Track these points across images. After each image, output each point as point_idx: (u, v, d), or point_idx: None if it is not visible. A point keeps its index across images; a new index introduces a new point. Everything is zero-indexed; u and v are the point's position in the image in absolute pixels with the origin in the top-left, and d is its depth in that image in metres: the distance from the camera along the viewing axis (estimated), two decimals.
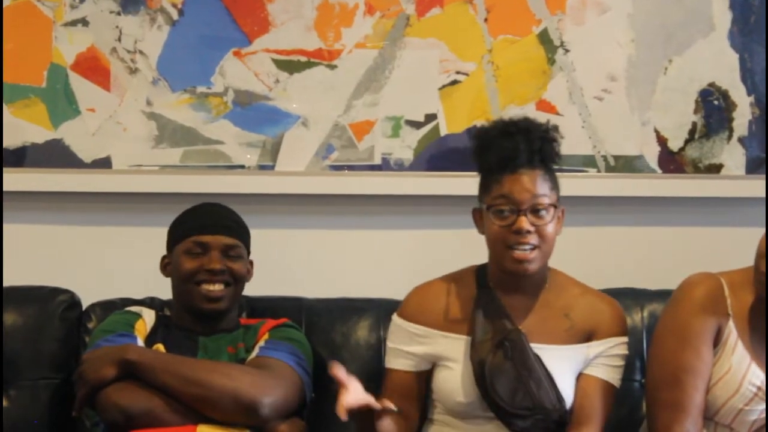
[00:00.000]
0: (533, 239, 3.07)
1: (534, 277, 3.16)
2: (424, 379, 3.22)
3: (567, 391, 3.13)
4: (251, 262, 3.42)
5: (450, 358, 3.18)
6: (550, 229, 3.09)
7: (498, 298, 3.18)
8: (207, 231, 3.34)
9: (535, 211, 3.06)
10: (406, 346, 3.22)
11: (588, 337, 3.18)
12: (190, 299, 3.32)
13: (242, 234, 3.40)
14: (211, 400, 3.11)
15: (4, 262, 3.65)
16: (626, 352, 3.22)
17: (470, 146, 3.24)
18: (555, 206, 3.11)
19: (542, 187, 3.08)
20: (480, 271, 3.23)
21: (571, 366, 3.16)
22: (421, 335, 3.21)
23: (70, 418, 3.37)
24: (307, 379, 3.30)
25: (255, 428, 3.16)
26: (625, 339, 3.22)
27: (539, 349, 3.13)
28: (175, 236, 3.38)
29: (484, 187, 3.13)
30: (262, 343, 3.32)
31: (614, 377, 3.18)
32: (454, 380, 3.15)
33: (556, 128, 3.19)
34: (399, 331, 3.25)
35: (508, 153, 3.09)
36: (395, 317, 3.27)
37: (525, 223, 3.05)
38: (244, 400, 3.10)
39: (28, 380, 3.51)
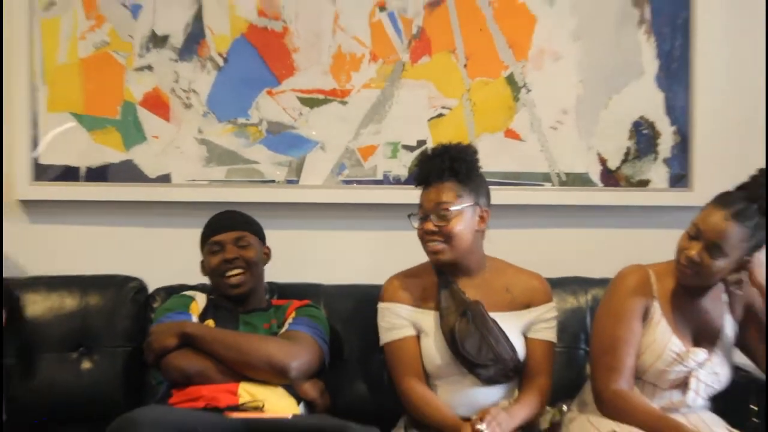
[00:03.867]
0: (439, 237, 3.10)
1: (466, 264, 3.18)
2: (417, 343, 3.20)
3: (518, 345, 3.16)
4: (268, 248, 3.42)
5: (424, 329, 3.18)
6: (454, 227, 3.09)
7: (454, 281, 3.19)
8: (218, 231, 3.35)
9: (440, 215, 3.09)
10: (396, 318, 3.20)
11: (526, 305, 3.21)
12: (221, 288, 3.34)
13: (248, 226, 3.39)
14: (250, 363, 3.11)
15: (89, 257, 3.71)
16: (556, 313, 3.26)
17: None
18: (463, 209, 3.10)
19: (447, 196, 3.09)
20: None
21: (517, 327, 3.19)
22: (401, 312, 3.21)
23: (140, 378, 3.45)
24: (326, 348, 3.30)
25: (287, 387, 3.17)
26: (553, 304, 3.25)
27: (493, 315, 3.15)
28: (202, 243, 3.39)
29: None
30: (290, 320, 3.32)
31: (552, 335, 3.23)
32: (430, 348, 3.16)
33: (467, 150, 3.17)
34: (385, 312, 3.23)
35: (423, 173, 3.15)
36: (380, 304, 3.25)
37: (429, 225, 3.10)
38: (276, 364, 3.11)
39: (107, 348, 3.51)
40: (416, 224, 3.14)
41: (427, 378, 3.20)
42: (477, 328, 3.12)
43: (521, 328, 3.21)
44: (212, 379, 3.13)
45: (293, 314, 3.36)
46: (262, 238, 3.42)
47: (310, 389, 3.22)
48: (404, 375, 3.18)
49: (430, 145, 3.83)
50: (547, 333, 3.23)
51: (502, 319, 3.17)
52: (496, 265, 3.26)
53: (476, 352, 3.12)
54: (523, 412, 3.08)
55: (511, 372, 3.17)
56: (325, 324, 3.38)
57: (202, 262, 3.40)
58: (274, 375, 3.14)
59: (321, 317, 3.39)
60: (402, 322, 3.20)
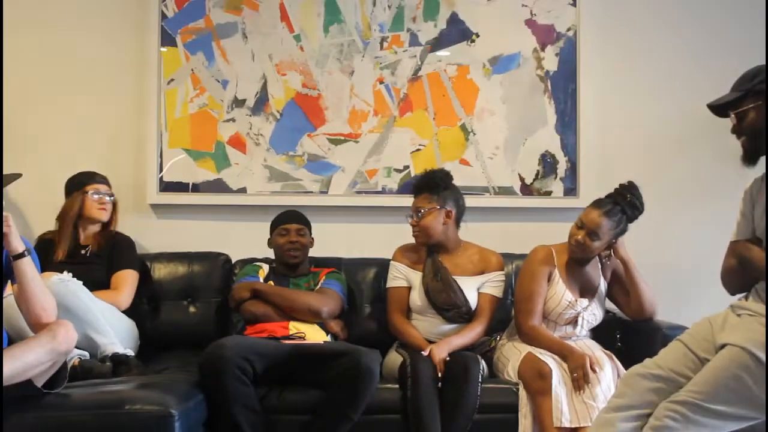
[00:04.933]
0: (417, 228, 3.13)
1: (444, 245, 3.15)
2: (407, 293, 3.18)
3: (471, 298, 3.13)
4: (312, 239, 3.38)
5: (413, 283, 3.17)
6: (425, 221, 3.10)
7: (437, 255, 3.17)
8: (287, 222, 3.32)
9: (417, 215, 3.13)
10: (396, 272, 3.21)
11: (482, 271, 3.20)
12: (283, 258, 3.31)
13: (306, 223, 3.36)
14: (296, 308, 3.11)
15: (196, 240, 3.65)
16: (503, 279, 3.21)
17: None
18: (431, 210, 3.09)
19: (421, 203, 3.13)
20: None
21: (474, 286, 3.16)
22: (400, 268, 3.21)
23: (228, 319, 3.40)
24: (345, 299, 3.28)
25: (320, 324, 3.14)
26: (501, 272, 3.22)
27: (456, 277, 3.13)
28: (273, 227, 3.35)
29: None
30: (322, 281, 3.28)
31: (494, 291, 3.19)
32: (415, 295, 3.15)
33: (438, 173, 3.17)
34: (391, 267, 3.24)
35: (413, 187, 3.21)
36: (392, 262, 3.24)
37: (411, 221, 3.15)
38: (313, 309, 3.11)
39: (205, 298, 3.48)
40: (408, 220, 3.17)
41: (414, 314, 3.17)
42: (443, 285, 3.11)
43: (477, 286, 3.18)
44: (272, 318, 3.11)
45: (324, 277, 3.32)
46: (311, 231, 3.39)
47: (335, 325, 3.20)
48: (393, 311, 3.19)
49: (412, 169, 3.78)
50: (492, 290, 3.20)
51: (463, 281, 3.16)
52: (467, 246, 3.26)
53: (440, 300, 3.11)
54: (459, 340, 3.04)
55: (465, 315, 3.15)
56: (344, 283, 3.35)
57: (270, 239, 3.35)
58: (312, 315, 3.13)
59: (342, 279, 3.36)
60: (399, 275, 3.19)
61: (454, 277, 3.15)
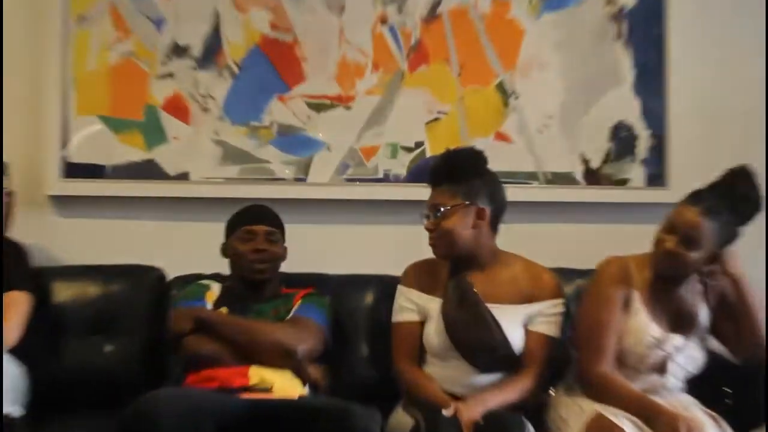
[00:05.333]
0: (434, 233, 3.12)
1: (475, 258, 3.15)
2: (419, 329, 3.19)
3: (513, 337, 3.10)
4: (285, 248, 3.38)
5: (430, 314, 3.16)
6: (447, 223, 3.09)
7: (465, 273, 3.15)
8: (254, 222, 3.32)
9: (435, 215, 3.11)
10: (404, 302, 3.22)
11: (530, 299, 3.16)
12: (243, 272, 3.29)
13: (279, 225, 3.38)
14: (261, 347, 3.10)
15: (112, 248, 3.68)
16: (561, 309, 3.19)
17: None
18: (456, 208, 3.10)
19: (441, 198, 3.12)
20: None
21: (517, 319, 3.13)
22: (410, 296, 3.22)
23: (162, 363, 3.40)
24: (328, 332, 3.27)
25: (294, 369, 3.14)
26: (558, 300, 3.19)
27: (492, 306, 3.10)
28: (231, 227, 3.36)
29: None
30: (296, 307, 3.28)
31: (549, 329, 3.15)
32: (430, 331, 3.14)
33: (467, 154, 3.20)
34: (398, 294, 3.26)
35: (428, 177, 3.20)
36: (400, 286, 3.26)
37: (426, 224, 3.14)
38: (285, 348, 3.10)
39: (126, 331, 3.47)
40: (423, 222, 3.19)
41: (430, 357, 3.19)
42: (472, 316, 3.09)
43: (521, 321, 3.15)
44: (224, 362, 3.10)
45: (299, 301, 3.32)
46: (284, 237, 3.41)
47: (315, 371, 3.20)
48: (399, 357, 3.22)
49: (427, 146, 3.84)
50: (545, 326, 3.16)
51: (502, 311, 3.12)
52: (508, 259, 3.23)
53: (468, 339, 3.10)
54: (498, 397, 3.03)
55: (505, 361, 3.12)
56: (328, 310, 3.34)
57: (225, 245, 3.37)
58: (283, 357, 3.12)
59: (325, 304, 3.36)
60: (408, 306, 3.22)
61: (489, 305, 3.12)
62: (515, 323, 3.13)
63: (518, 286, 3.18)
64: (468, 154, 3.22)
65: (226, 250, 3.36)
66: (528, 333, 3.14)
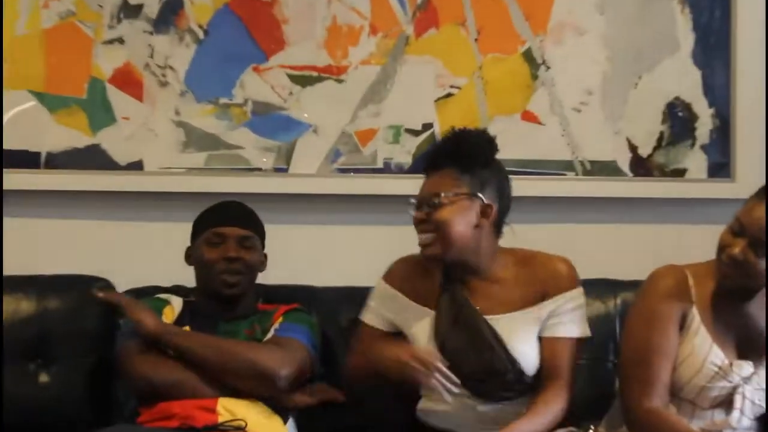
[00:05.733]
0: (426, 227, 3.08)
1: (471, 265, 3.14)
2: (391, 339, 3.20)
3: (525, 353, 3.10)
4: (265, 255, 3.41)
5: (418, 331, 3.15)
6: (443, 214, 3.06)
7: (458, 284, 3.16)
8: (224, 223, 3.33)
9: (431, 204, 3.07)
10: (382, 307, 3.23)
11: (542, 296, 3.14)
12: (210, 285, 3.31)
13: (256, 227, 3.39)
14: (233, 369, 3.11)
15: (47, 254, 3.69)
16: (580, 301, 3.18)
17: None
18: (458, 198, 3.08)
19: (443, 183, 3.09)
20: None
21: (526, 328, 3.13)
22: (395, 300, 3.20)
23: (106, 391, 3.41)
24: (316, 355, 3.30)
25: (269, 401, 3.16)
26: (575, 292, 3.17)
27: (495, 319, 3.10)
28: (197, 229, 3.37)
29: None
30: (276, 325, 3.30)
31: (571, 330, 3.14)
32: None
33: (477, 135, 3.18)
34: (380, 292, 3.24)
35: (426, 159, 3.20)
36: (380, 280, 3.25)
37: (416, 214, 3.10)
38: (263, 371, 3.11)
39: (67, 358, 3.47)
40: (412, 211, 3.14)
41: (424, 389, 3.18)
42: (468, 338, 3.09)
43: (532, 329, 3.15)
44: (185, 392, 3.11)
45: (280, 319, 3.35)
46: (263, 243, 3.43)
47: (301, 398, 3.23)
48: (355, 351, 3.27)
49: (437, 128, 3.85)
50: (565, 327, 3.14)
51: (509, 322, 3.12)
52: (506, 256, 3.21)
53: (468, 366, 3.08)
54: (525, 426, 3.02)
55: (511, 384, 3.12)
56: (316, 329, 3.37)
57: (190, 249, 3.39)
58: (261, 383, 3.13)
59: (311, 322, 3.39)
60: (383, 311, 3.22)
61: (492, 317, 3.12)
62: (527, 333, 3.13)
63: (523, 285, 3.17)
64: (480, 137, 3.21)
65: (190, 257, 3.38)
66: (544, 342, 3.13)
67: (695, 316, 3.06)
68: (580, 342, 3.17)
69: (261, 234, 3.40)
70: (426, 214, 3.09)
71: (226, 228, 3.32)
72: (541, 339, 3.14)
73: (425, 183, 3.17)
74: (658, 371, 3.02)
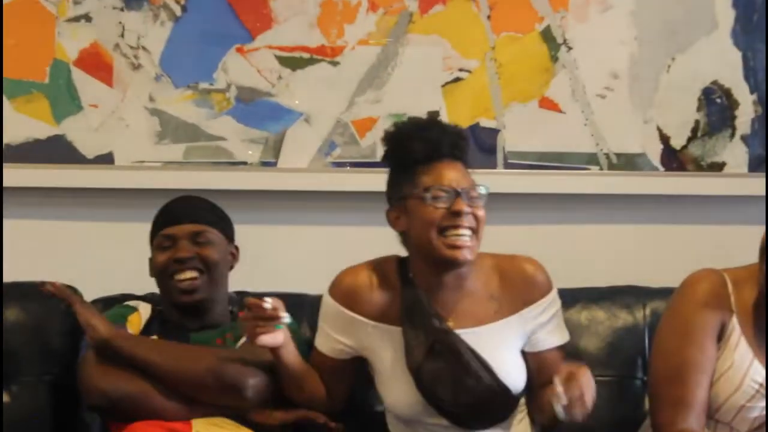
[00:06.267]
0: (470, 221, 3.03)
1: (462, 268, 3.12)
2: (351, 365, 3.21)
3: (509, 368, 3.11)
4: (236, 248, 3.42)
5: (383, 354, 3.15)
6: (482, 213, 3.06)
7: (423, 297, 3.13)
8: (172, 222, 3.34)
9: (471, 197, 3.04)
10: (336, 332, 3.18)
11: (521, 303, 3.15)
12: (169, 294, 3.33)
13: (212, 220, 3.38)
14: (195, 378, 3.11)
15: (6, 258, 3.65)
16: (558, 304, 3.19)
17: (384, 146, 3.20)
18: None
19: (468, 179, 3.08)
20: (401, 266, 3.19)
21: (506, 340, 3.14)
22: (351, 322, 3.16)
23: (72, 413, 3.42)
24: None
25: (249, 422, 3.16)
26: (552, 293, 3.18)
27: (471, 333, 3.09)
28: (151, 234, 3.39)
29: (407, 179, 3.10)
30: None
31: (559, 336, 3.18)
32: (393, 384, 3.14)
33: (462, 129, 3.23)
34: (331, 313, 3.19)
35: (432, 144, 3.10)
36: (327, 297, 3.20)
37: (462, 204, 3.02)
38: (228, 381, 3.11)
39: (31, 375, 3.49)
40: (434, 205, 3.04)
41: (391, 421, 3.23)
42: (450, 368, 3.08)
43: (514, 340, 3.16)
44: (146, 408, 3.11)
45: None
46: (228, 235, 3.42)
47: (283, 414, 3.21)
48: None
49: (444, 117, 3.85)
50: (552, 337, 3.17)
51: (484, 337, 3.12)
52: (478, 264, 3.17)
53: (452, 397, 3.09)
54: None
55: (504, 409, 3.15)
56: (298, 335, 3.34)
57: (151, 259, 3.40)
58: (225, 394, 3.13)
59: (292, 327, 3.27)
60: (338, 336, 3.18)
61: (468, 330, 3.10)
62: (510, 350, 3.14)
63: (498, 299, 3.15)
64: (461, 129, 3.26)
65: (152, 268, 3.40)
66: (530, 356, 3.15)
67: (735, 326, 3.07)
68: (566, 347, 3.20)
69: (222, 225, 3.39)
70: (472, 207, 3.05)
71: (175, 227, 3.33)
72: (524, 353, 3.16)
73: (445, 169, 3.09)
74: (693, 389, 3.01)
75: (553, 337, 3.17)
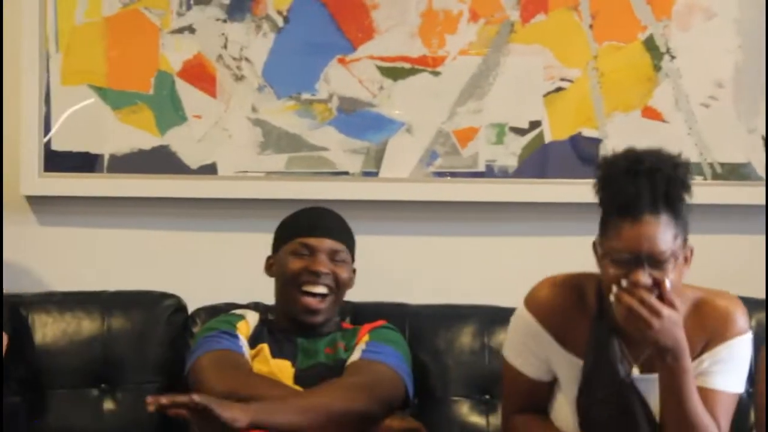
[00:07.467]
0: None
1: None
2: (545, 389, 3.09)
3: None
4: (354, 270, 3.42)
5: (562, 380, 3.08)
6: (674, 278, 2.85)
7: (615, 338, 2.97)
8: (315, 233, 3.35)
9: (655, 263, 2.82)
10: (531, 348, 3.06)
11: (702, 350, 2.98)
12: (291, 305, 3.33)
13: (348, 239, 3.41)
14: (332, 424, 3.09)
15: (110, 267, 3.77)
16: (741, 351, 2.99)
17: (595, 176, 2.96)
18: (676, 256, 2.87)
19: (664, 237, 2.84)
20: (600, 290, 2.98)
21: None
22: (539, 337, 3.04)
23: (175, 421, 3.29)
24: (409, 379, 3.30)
25: None
26: (734, 340, 2.98)
27: (649, 380, 2.97)
28: (282, 237, 3.40)
29: (602, 225, 2.91)
30: (362, 345, 3.32)
31: (727, 381, 2.97)
32: (563, 411, 3.08)
33: (686, 166, 2.92)
34: (524, 326, 3.05)
35: (629, 199, 2.85)
36: (523, 309, 3.03)
37: (642, 276, 2.81)
38: (359, 417, 3.12)
39: (134, 383, 3.52)
40: (614, 269, 2.87)
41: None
42: (616, 416, 2.98)
43: None
44: None
45: (366, 337, 3.36)
46: (353, 256, 3.44)
47: (398, 422, 3.23)
48: (510, 408, 3.14)
49: (546, 127, 3.84)
50: (723, 379, 2.97)
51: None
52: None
53: None
54: None
55: None
56: (405, 350, 3.39)
57: (271, 261, 3.41)
58: (357, 429, 3.14)
59: (399, 341, 3.40)
60: (530, 355, 3.06)
61: (645, 377, 2.98)
62: None
63: (688, 335, 2.93)
64: (682, 163, 2.94)
65: (271, 267, 3.41)
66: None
67: None
68: (731, 397, 2.99)
69: (352, 248, 3.42)
70: (658, 276, 2.82)
71: (317, 239, 3.34)
72: None
73: (633, 232, 2.84)
74: None
75: (716, 379, 2.96)
